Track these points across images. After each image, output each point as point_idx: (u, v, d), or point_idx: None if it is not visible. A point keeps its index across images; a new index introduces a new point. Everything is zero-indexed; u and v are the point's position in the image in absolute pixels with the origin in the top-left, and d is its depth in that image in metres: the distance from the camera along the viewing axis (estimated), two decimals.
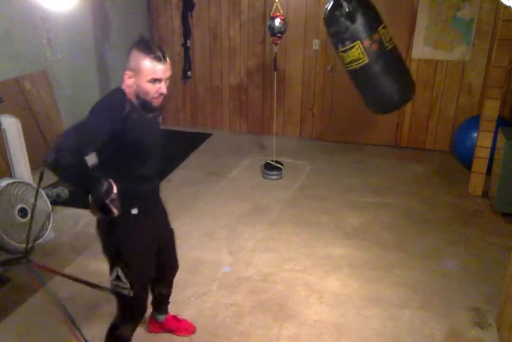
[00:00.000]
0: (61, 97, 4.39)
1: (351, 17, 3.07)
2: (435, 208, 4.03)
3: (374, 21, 3.16)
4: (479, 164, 4.13)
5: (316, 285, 3.03)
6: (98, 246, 2.10)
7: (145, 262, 2.12)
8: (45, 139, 4.15)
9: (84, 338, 2.36)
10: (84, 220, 3.68)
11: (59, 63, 4.38)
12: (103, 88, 4.94)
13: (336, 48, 3.29)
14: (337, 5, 3.11)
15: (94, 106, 1.88)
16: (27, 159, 3.43)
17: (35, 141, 3.97)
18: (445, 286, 3.02)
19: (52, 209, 3.52)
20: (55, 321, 2.49)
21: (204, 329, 2.63)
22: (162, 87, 1.91)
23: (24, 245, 3.06)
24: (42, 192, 3.52)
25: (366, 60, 3.16)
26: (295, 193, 4.33)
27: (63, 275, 2.86)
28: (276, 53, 4.42)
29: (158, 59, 1.87)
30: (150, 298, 2.32)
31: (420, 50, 4.92)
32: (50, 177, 1.99)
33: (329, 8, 3.18)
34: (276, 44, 4.27)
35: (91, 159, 1.87)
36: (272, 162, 4.68)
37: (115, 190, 1.84)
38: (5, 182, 3.22)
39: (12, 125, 3.31)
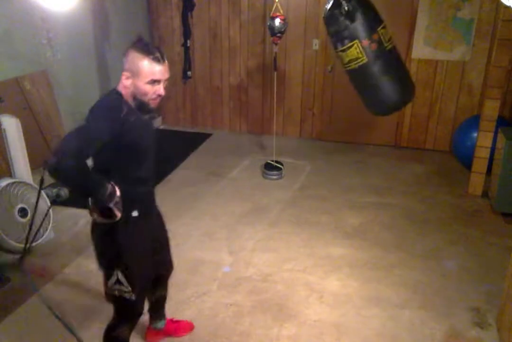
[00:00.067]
0: (61, 97, 4.39)
1: (350, 16, 3.08)
2: (435, 208, 4.03)
3: (373, 20, 3.17)
4: (479, 164, 4.13)
5: (316, 285, 3.03)
6: None
7: (145, 263, 2.11)
8: (45, 139, 4.15)
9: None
10: (84, 220, 3.67)
11: (59, 63, 4.38)
12: (103, 88, 4.94)
13: (335, 48, 3.29)
14: (337, 4, 3.11)
15: (92, 109, 1.86)
16: (27, 159, 3.44)
17: (35, 141, 3.97)
18: (445, 286, 3.02)
19: (52, 209, 3.52)
20: (55, 321, 2.48)
21: (204, 329, 2.63)
22: (161, 89, 1.90)
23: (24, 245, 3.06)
24: (42, 192, 3.51)
25: (365, 59, 3.16)
26: (295, 193, 4.33)
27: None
28: (276, 53, 4.42)
29: (157, 60, 1.86)
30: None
31: (420, 50, 4.92)
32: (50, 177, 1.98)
33: (329, 7, 3.19)
34: (276, 44, 4.27)
35: (89, 162, 1.86)
36: (272, 162, 4.68)
37: (118, 192, 1.84)
38: (5, 182, 3.22)
39: (12, 125, 3.31)
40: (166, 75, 1.91)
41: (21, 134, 3.37)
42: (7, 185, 3.22)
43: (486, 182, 4.16)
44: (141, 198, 2.06)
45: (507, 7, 3.16)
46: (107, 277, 2.03)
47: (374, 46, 3.13)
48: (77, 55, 4.65)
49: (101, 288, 2.13)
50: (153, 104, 1.93)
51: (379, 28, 3.15)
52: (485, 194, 4.17)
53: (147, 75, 1.85)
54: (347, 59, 3.24)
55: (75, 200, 3.91)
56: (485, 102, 4.00)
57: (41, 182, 2.35)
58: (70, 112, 4.46)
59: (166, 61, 1.90)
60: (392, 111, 3.53)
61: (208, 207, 4.04)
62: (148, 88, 1.88)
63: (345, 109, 5.30)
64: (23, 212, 3.29)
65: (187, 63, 5.33)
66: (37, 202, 2.74)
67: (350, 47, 3.15)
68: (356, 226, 3.75)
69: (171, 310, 2.65)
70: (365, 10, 3.14)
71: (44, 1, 2.85)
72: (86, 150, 1.76)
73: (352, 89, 3.53)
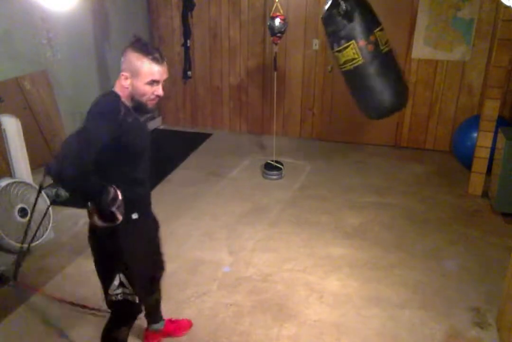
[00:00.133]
0: (61, 97, 4.39)
1: (348, 16, 3.08)
2: (435, 208, 4.03)
3: (371, 22, 3.18)
4: (479, 164, 4.13)
5: (316, 285, 3.03)
6: None
7: (145, 264, 2.12)
8: (45, 139, 4.15)
9: None
10: (83, 220, 3.67)
11: (59, 63, 4.38)
12: (103, 88, 4.94)
13: (332, 48, 3.30)
14: (335, 4, 3.12)
15: (90, 110, 1.84)
16: (27, 159, 3.44)
17: (35, 141, 3.97)
18: (445, 286, 3.02)
19: (52, 209, 3.52)
20: (55, 321, 2.48)
21: (204, 329, 2.63)
22: (159, 89, 1.90)
23: (25, 245, 3.05)
24: (42, 192, 3.51)
25: (360, 60, 3.16)
26: (295, 193, 4.33)
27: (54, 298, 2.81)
28: (276, 53, 4.42)
29: (157, 60, 1.85)
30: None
31: (420, 50, 4.92)
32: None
33: (327, 7, 3.19)
34: (276, 44, 4.27)
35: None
36: (272, 162, 4.68)
37: (120, 196, 1.84)
38: (5, 182, 3.22)
39: (12, 125, 3.31)
40: (165, 76, 1.91)
41: (21, 134, 3.37)
42: (7, 185, 3.22)
43: (486, 182, 4.16)
44: (140, 199, 2.06)
45: (507, 7, 3.16)
46: (109, 281, 2.01)
47: (370, 47, 3.13)
48: (77, 55, 4.65)
49: (101, 288, 2.12)
50: (150, 105, 1.93)
51: (376, 30, 3.16)
52: (485, 194, 4.17)
53: (146, 76, 1.84)
54: (343, 60, 3.24)
55: (75, 200, 3.90)
56: (485, 102, 4.00)
57: (40, 186, 2.35)
58: (70, 112, 4.46)
59: (165, 61, 1.90)
60: (385, 115, 3.48)
61: (208, 207, 4.04)
62: (147, 88, 1.87)
63: (345, 109, 5.29)
64: (23, 212, 3.29)
65: (187, 63, 5.33)
66: (34, 204, 2.73)
67: (347, 47, 3.16)
68: (356, 226, 3.75)
69: (171, 310, 2.66)
70: (363, 10, 3.15)
71: (44, 1, 2.86)
72: (88, 153, 1.74)
73: None
